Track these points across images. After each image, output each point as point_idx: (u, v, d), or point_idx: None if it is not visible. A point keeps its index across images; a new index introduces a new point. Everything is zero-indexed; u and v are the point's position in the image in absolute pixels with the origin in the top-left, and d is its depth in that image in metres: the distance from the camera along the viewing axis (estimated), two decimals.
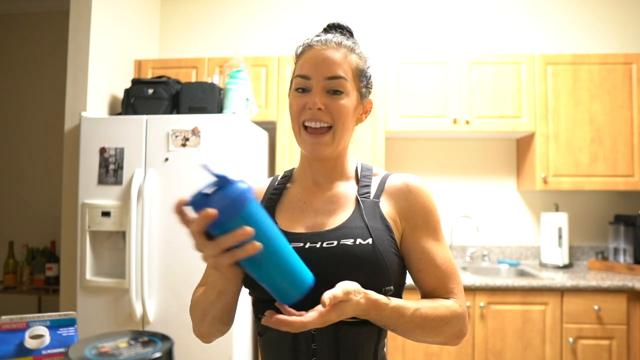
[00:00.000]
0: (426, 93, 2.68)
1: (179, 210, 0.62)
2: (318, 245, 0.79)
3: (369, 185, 0.88)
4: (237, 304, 0.81)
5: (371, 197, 0.85)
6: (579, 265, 2.81)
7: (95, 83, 2.41)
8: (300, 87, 0.84)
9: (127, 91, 2.35)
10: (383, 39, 3.07)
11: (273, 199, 0.91)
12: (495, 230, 2.98)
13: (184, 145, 2.11)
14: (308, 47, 0.86)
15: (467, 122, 2.64)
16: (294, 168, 0.97)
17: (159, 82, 2.34)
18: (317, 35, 0.88)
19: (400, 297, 0.85)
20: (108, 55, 2.53)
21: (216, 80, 2.45)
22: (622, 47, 2.97)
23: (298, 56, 0.88)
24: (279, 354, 0.82)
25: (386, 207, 0.85)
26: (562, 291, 2.27)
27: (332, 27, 0.91)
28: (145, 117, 2.17)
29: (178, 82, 2.42)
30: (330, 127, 0.83)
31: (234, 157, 2.09)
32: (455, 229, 3.00)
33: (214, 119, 2.12)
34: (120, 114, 2.39)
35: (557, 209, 2.83)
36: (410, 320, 0.75)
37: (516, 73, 2.65)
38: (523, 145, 2.86)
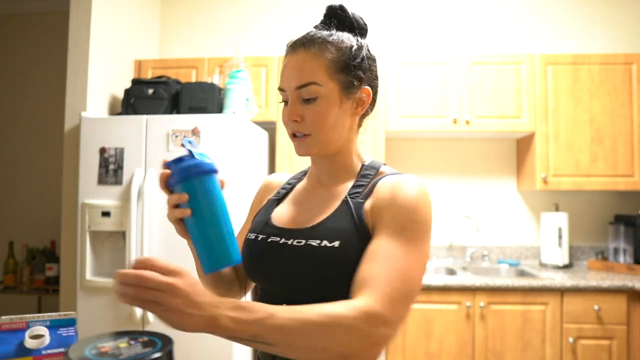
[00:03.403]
0: (426, 93, 2.68)
1: (162, 164, 0.75)
2: (289, 242, 0.80)
3: (363, 185, 0.83)
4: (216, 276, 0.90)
5: (360, 198, 0.81)
6: (579, 265, 2.81)
7: (95, 83, 2.41)
8: (283, 100, 0.84)
9: (127, 91, 2.35)
10: (383, 39, 3.07)
11: (280, 192, 0.94)
12: (495, 230, 2.98)
13: (183, 145, 2.11)
14: (285, 54, 0.84)
15: (467, 122, 2.64)
16: None
17: (159, 82, 2.34)
18: (303, 34, 0.86)
19: None
20: (108, 55, 2.53)
21: (216, 80, 2.45)
22: (622, 47, 2.97)
23: None
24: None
25: (368, 208, 0.80)
26: (562, 291, 2.27)
27: (327, 16, 0.87)
28: (145, 117, 2.16)
29: (178, 82, 2.42)
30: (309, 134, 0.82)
31: (234, 157, 2.09)
32: (455, 229, 3.00)
33: (214, 119, 2.12)
34: (120, 114, 2.39)
35: (557, 209, 2.83)
36: (264, 332, 0.61)
37: (516, 73, 2.65)
38: (523, 145, 2.86)
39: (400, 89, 2.69)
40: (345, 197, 0.82)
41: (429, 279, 2.31)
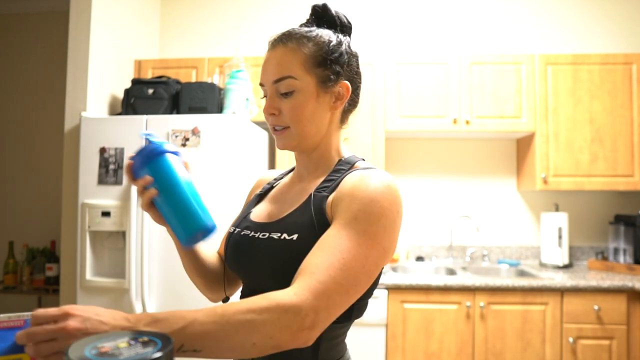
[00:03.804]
0: (426, 93, 2.68)
1: (127, 162, 0.80)
2: (257, 235, 0.83)
3: (333, 180, 0.82)
4: (204, 266, 0.94)
5: (326, 192, 0.81)
6: (579, 265, 2.81)
7: (95, 83, 2.41)
8: (264, 95, 0.87)
9: (127, 91, 2.35)
10: (383, 39, 3.07)
11: (266, 188, 0.97)
12: (495, 230, 2.98)
13: (184, 145, 2.11)
14: (267, 50, 0.87)
15: (467, 122, 2.64)
16: None
17: (159, 82, 2.34)
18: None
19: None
20: (108, 55, 2.53)
21: (216, 80, 2.45)
22: (622, 47, 2.97)
23: None
24: None
25: (330, 201, 0.79)
26: (562, 291, 2.27)
27: (313, 12, 0.90)
28: (145, 117, 2.16)
29: (178, 82, 2.42)
30: (288, 127, 0.84)
31: (234, 157, 2.09)
32: (455, 229, 3.00)
33: (214, 119, 2.12)
34: (120, 114, 2.39)
35: (557, 209, 2.83)
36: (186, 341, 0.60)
37: (516, 73, 2.65)
38: (523, 145, 2.86)
39: (400, 89, 2.69)
40: (314, 191, 0.82)
41: (429, 279, 2.31)
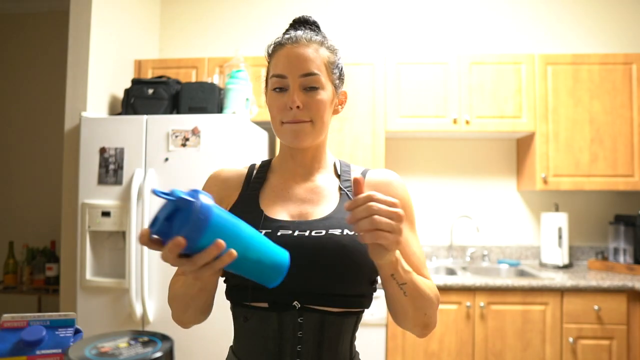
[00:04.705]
0: (426, 93, 2.68)
1: (146, 241, 0.60)
2: (307, 233, 0.81)
3: (350, 180, 0.90)
4: (215, 292, 0.83)
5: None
6: (579, 265, 2.81)
7: (95, 83, 2.41)
8: (278, 87, 0.85)
9: (127, 91, 2.35)
10: (383, 39, 3.07)
11: (256, 187, 0.91)
12: (495, 230, 2.98)
13: (184, 145, 2.11)
14: (279, 45, 0.87)
15: (467, 122, 2.64)
16: (271, 159, 0.99)
17: (159, 82, 2.34)
18: (287, 33, 0.89)
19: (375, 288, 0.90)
20: (108, 55, 2.53)
21: (216, 80, 2.45)
22: (622, 47, 2.97)
23: (270, 55, 0.89)
24: (261, 341, 0.81)
25: None
26: (562, 291, 2.27)
27: (299, 23, 0.91)
28: (145, 117, 2.17)
29: (178, 82, 2.42)
30: (309, 121, 0.85)
31: (233, 157, 2.09)
32: (455, 229, 3.00)
33: (214, 119, 2.12)
34: (120, 114, 2.39)
35: (557, 209, 2.83)
36: (412, 281, 0.77)
37: (516, 73, 2.65)
38: (523, 145, 2.86)
39: (400, 89, 2.68)
40: (343, 190, 0.88)
41: None
